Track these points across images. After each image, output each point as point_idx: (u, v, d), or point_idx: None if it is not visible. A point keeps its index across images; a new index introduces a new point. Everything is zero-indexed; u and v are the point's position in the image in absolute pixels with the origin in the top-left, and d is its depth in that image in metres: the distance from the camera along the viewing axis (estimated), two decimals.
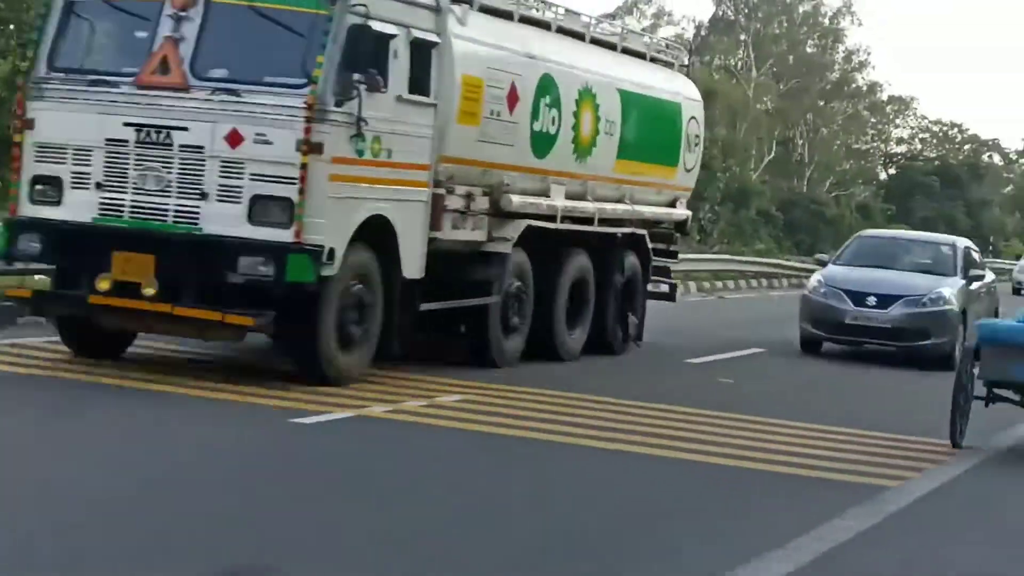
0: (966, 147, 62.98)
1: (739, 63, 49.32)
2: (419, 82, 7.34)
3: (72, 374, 6.96)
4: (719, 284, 21.94)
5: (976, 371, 7.07)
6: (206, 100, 6.65)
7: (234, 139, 6.54)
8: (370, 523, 4.14)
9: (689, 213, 12.19)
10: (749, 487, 5.75)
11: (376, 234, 7.06)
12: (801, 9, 50.94)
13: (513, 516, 4.58)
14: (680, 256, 13.38)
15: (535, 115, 8.85)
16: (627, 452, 6.21)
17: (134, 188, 6.69)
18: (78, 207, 6.80)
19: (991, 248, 49.80)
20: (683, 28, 49.20)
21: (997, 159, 65.83)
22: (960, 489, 6.20)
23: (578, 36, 10.02)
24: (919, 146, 61.04)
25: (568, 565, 3.83)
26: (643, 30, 31.57)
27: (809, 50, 52.03)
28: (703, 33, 50.07)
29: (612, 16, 40.36)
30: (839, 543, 4.35)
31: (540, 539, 4.16)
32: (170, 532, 3.63)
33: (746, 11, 49.65)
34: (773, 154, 47.18)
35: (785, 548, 4.11)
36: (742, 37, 49.30)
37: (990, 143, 64.48)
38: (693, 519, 4.88)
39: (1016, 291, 29.08)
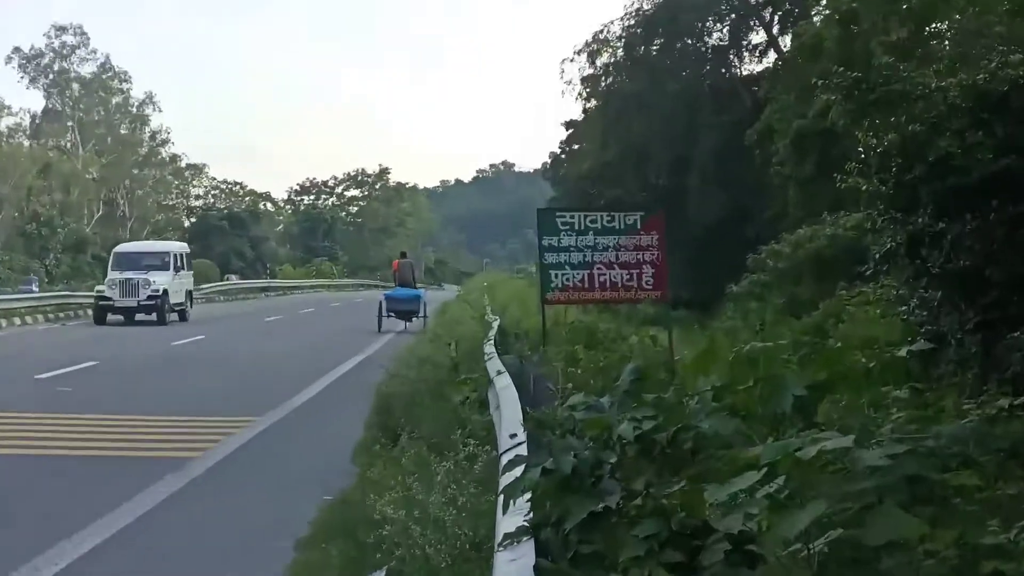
0: (247, 198, 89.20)
1: (68, 143, 66.96)
2: None
3: None
4: (61, 315, 29.22)
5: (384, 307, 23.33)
6: None
7: None
8: None
9: None
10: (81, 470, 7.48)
11: None
12: (114, 101, 69.66)
13: None
14: None
15: None
16: None
17: None
18: None
19: (268, 270, 68.67)
20: (20, 118, 65.17)
21: (270, 206, 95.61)
22: None
23: None
24: (212, 200, 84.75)
25: None
26: None
27: (123, 131, 70.91)
28: (37, 121, 66.71)
29: None
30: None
31: None
32: None
33: (71, 103, 67.39)
34: (101, 211, 66.11)
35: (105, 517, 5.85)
36: (69, 123, 67.29)
37: (264, 194, 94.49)
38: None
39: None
